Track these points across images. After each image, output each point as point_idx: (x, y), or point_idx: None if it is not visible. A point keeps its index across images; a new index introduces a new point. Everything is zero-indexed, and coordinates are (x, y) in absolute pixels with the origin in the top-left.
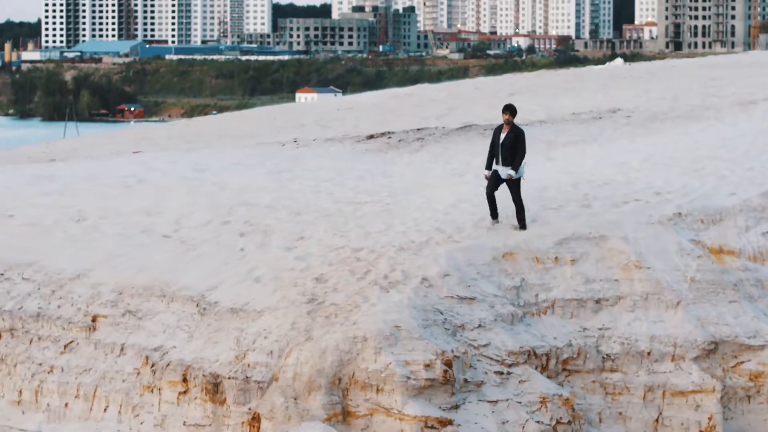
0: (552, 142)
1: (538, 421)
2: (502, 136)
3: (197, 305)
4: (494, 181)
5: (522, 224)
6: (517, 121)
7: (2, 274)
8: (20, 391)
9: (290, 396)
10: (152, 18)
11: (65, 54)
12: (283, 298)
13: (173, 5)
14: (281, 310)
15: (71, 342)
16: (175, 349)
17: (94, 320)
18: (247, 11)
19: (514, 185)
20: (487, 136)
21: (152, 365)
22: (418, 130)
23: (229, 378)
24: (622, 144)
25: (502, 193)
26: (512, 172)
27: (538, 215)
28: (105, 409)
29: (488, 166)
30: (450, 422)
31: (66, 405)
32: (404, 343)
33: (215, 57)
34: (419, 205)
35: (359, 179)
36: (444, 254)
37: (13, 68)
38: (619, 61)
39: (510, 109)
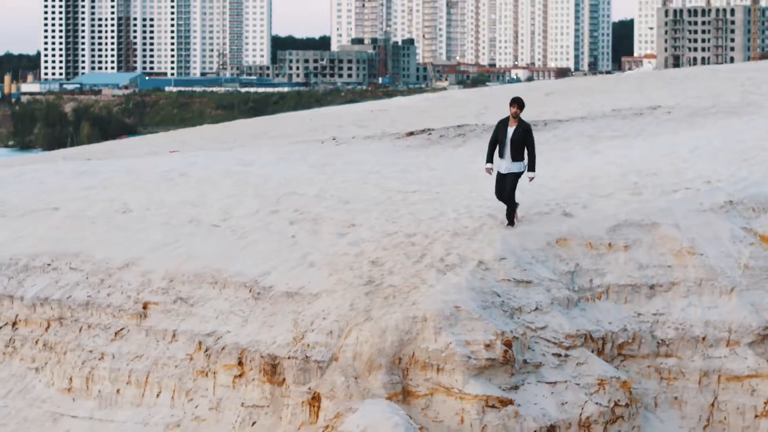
0: (595, 137)
1: (596, 403)
2: (510, 130)
3: (250, 290)
4: (501, 183)
5: (510, 220)
6: (558, 117)
7: (49, 265)
8: (70, 379)
9: (351, 375)
10: (151, 50)
11: (65, 86)
12: (339, 281)
13: (172, 37)
14: (339, 292)
15: (122, 329)
16: (229, 334)
17: (145, 307)
18: (246, 43)
19: (512, 180)
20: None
21: (206, 350)
22: (458, 126)
23: (288, 358)
24: (666, 137)
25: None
26: (533, 174)
27: (589, 203)
28: (157, 395)
29: (489, 160)
30: (510, 402)
31: (118, 391)
32: (464, 323)
33: (215, 89)
34: (468, 194)
35: (404, 171)
36: (499, 239)
37: (13, 100)
38: (648, 66)
39: (518, 102)
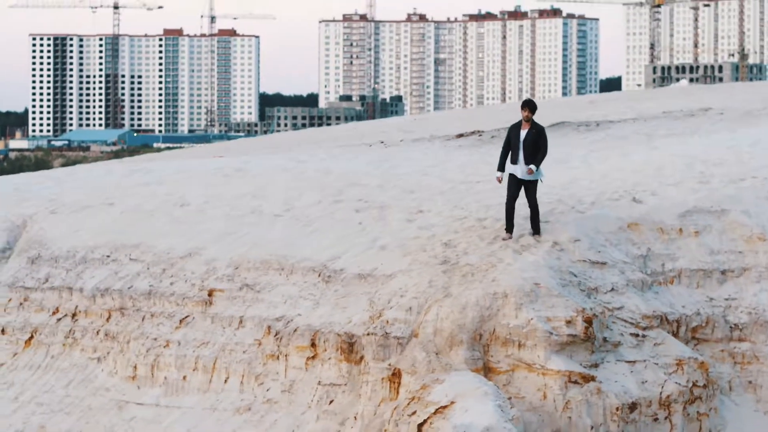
0: (651, 135)
1: (676, 383)
2: (523, 133)
3: (319, 275)
4: (514, 188)
5: (536, 229)
6: (609, 118)
7: (108, 256)
8: (135, 367)
9: (431, 351)
10: (139, 107)
11: (53, 142)
12: (413, 261)
13: (160, 94)
14: (415, 271)
15: (187, 317)
16: (300, 317)
17: (210, 295)
18: (234, 100)
19: (532, 187)
20: (581, 132)
21: (276, 334)
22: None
23: (367, 335)
24: (723, 134)
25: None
26: (533, 167)
27: (658, 190)
28: (225, 381)
29: (501, 168)
30: (593, 378)
31: (184, 378)
32: (544, 299)
33: (204, 145)
34: (557, 159)
35: (463, 166)
36: (572, 221)
37: (1, 156)
38: (683, 82)
39: (530, 105)
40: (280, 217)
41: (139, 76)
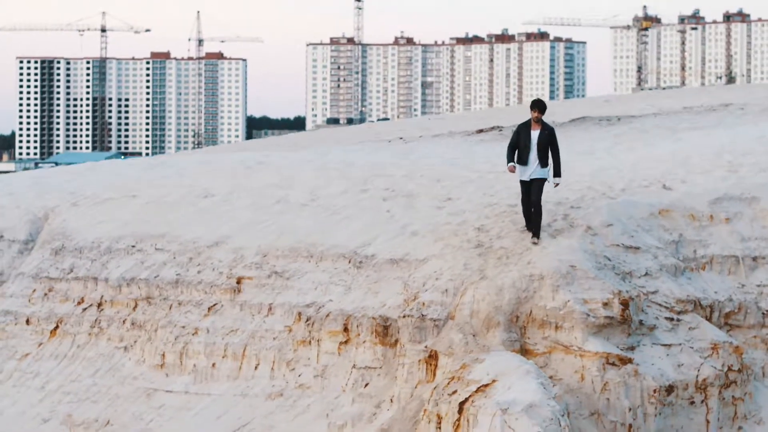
0: (674, 128)
1: (712, 366)
2: (534, 134)
3: (350, 261)
4: (526, 190)
5: (536, 232)
6: (632, 112)
7: (133, 246)
8: (163, 355)
9: (468, 333)
10: (126, 130)
11: (40, 165)
12: (446, 246)
13: (147, 117)
14: (449, 255)
15: (215, 305)
16: (331, 302)
17: (238, 282)
18: (222, 123)
19: (538, 186)
20: (603, 126)
21: (307, 319)
22: None
23: (403, 317)
24: (747, 127)
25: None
26: (558, 180)
27: (687, 178)
28: (255, 367)
29: (510, 159)
30: (630, 360)
31: (213, 365)
32: (581, 282)
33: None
34: (584, 151)
35: (488, 157)
36: (604, 207)
37: None
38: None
39: (539, 106)
40: (307, 206)
41: (126, 99)
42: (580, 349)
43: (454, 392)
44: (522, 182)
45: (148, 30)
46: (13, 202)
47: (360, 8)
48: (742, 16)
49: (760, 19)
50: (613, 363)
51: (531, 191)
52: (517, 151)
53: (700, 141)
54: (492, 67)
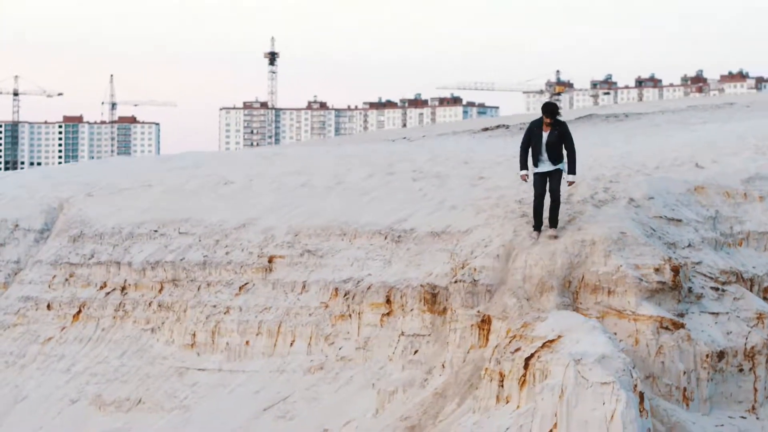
0: (684, 122)
1: (759, 335)
2: (545, 135)
3: (386, 237)
4: (540, 185)
5: (554, 222)
6: (637, 111)
7: (156, 231)
8: (193, 334)
9: (522, 297)
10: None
11: None
12: (491, 217)
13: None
14: (496, 224)
15: (246, 284)
16: (370, 276)
17: (270, 261)
18: None
19: (556, 177)
20: (611, 122)
21: (345, 294)
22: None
23: (455, 282)
24: (759, 120)
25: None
26: (572, 178)
27: (717, 158)
28: (291, 344)
29: (523, 166)
30: (682, 326)
31: (247, 343)
32: (632, 247)
33: None
34: (591, 153)
35: (506, 146)
36: (643, 182)
37: None
38: None
39: (548, 110)
40: (333, 189)
41: (39, 163)
42: (633, 313)
43: (518, 350)
44: (536, 175)
45: (60, 94)
46: (27, 193)
47: (274, 72)
48: (654, 81)
49: (671, 85)
50: (667, 327)
51: (550, 181)
52: (530, 151)
53: (718, 130)
54: None
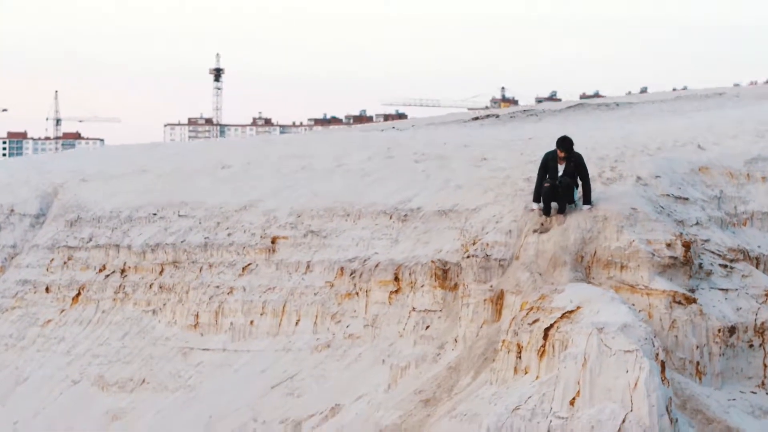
0: (677, 110)
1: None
2: (560, 167)
3: (391, 217)
4: (549, 198)
5: (547, 211)
6: (628, 101)
7: (155, 214)
8: (196, 315)
9: (535, 271)
10: None
11: None
12: (499, 195)
13: None
14: (506, 201)
15: (249, 264)
16: (377, 255)
17: (273, 242)
18: None
19: (569, 192)
20: (603, 111)
21: (351, 273)
22: (525, 110)
23: (467, 257)
24: (751, 108)
25: None
26: (589, 207)
27: (718, 141)
28: (296, 323)
29: (537, 198)
30: (694, 300)
31: (251, 323)
32: (643, 223)
33: None
34: (591, 135)
35: (499, 132)
36: (648, 161)
37: None
38: None
39: (563, 145)
40: (334, 172)
41: None
42: (646, 287)
43: (536, 321)
44: (550, 181)
45: (5, 110)
46: (20, 180)
47: (219, 89)
48: (599, 98)
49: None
50: (680, 302)
51: (558, 191)
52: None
53: (713, 116)
54: None
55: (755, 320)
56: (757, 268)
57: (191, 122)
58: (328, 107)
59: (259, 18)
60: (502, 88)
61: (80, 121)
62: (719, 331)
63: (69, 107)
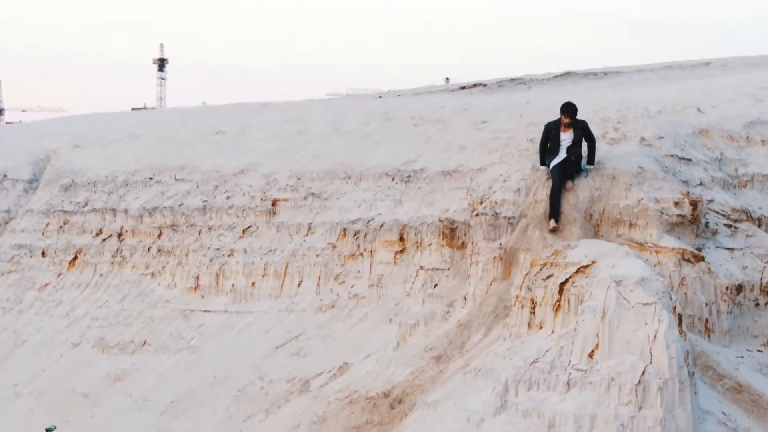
0: (666, 78)
1: None
2: (565, 136)
3: (393, 178)
4: (559, 177)
5: (556, 217)
6: (615, 70)
7: (151, 179)
8: (197, 277)
9: (545, 229)
10: None
11: None
12: (504, 155)
13: None
14: (512, 160)
15: (249, 227)
16: (380, 216)
17: (273, 204)
18: None
19: (573, 169)
20: (591, 80)
21: (354, 234)
22: (512, 79)
23: (476, 215)
24: (741, 75)
25: None
26: (591, 168)
27: (717, 105)
28: (299, 284)
29: (542, 161)
30: (702, 258)
31: (253, 284)
32: (651, 182)
33: None
34: (587, 102)
35: (491, 99)
36: (650, 123)
37: None
38: None
39: (568, 110)
40: (332, 136)
41: None
42: (655, 245)
43: (550, 276)
44: (554, 167)
45: None
46: (12, 145)
47: (163, 78)
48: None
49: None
50: (688, 260)
51: (567, 170)
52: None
53: (706, 83)
54: None
55: (761, 279)
56: (759, 228)
57: (134, 111)
58: (273, 97)
59: (203, 7)
60: (447, 78)
61: (23, 111)
62: (727, 288)
63: (12, 98)
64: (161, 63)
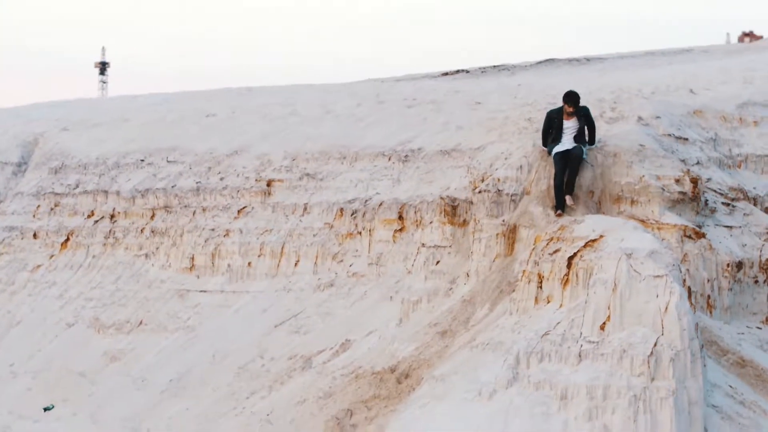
0: (651, 64)
1: None
2: (568, 124)
3: (390, 158)
4: (562, 165)
5: (570, 189)
6: (598, 56)
7: (142, 160)
8: (192, 258)
9: (547, 206)
10: None
11: None
12: (503, 133)
13: None
14: (513, 138)
15: (244, 207)
16: (378, 195)
17: (268, 185)
18: None
19: (575, 163)
20: (575, 66)
21: (352, 213)
22: (495, 66)
23: (479, 192)
24: (724, 60)
25: None
26: (590, 147)
27: (709, 86)
28: (296, 264)
29: (545, 144)
30: (704, 235)
31: (249, 264)
32: (651, 159)
33: None
34: (578, 85)
35: (480, 83)
36: (646, 103)
37: None
38: None
39: (571, 99)
40: (325, 117)
41: None
42: (657, 222)
43: (557, 251)
44: (557, 155)
45: None
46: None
47: (105, 82)
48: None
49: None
50: (690, 236)
51: (570, 159)
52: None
53: (693, 67)
54: None
55: (760, 256)
56: (755, 207)
57: None
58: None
59: (146, 10)
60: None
61: None
62: (728, 265)
63: None
64: (102, 66)
